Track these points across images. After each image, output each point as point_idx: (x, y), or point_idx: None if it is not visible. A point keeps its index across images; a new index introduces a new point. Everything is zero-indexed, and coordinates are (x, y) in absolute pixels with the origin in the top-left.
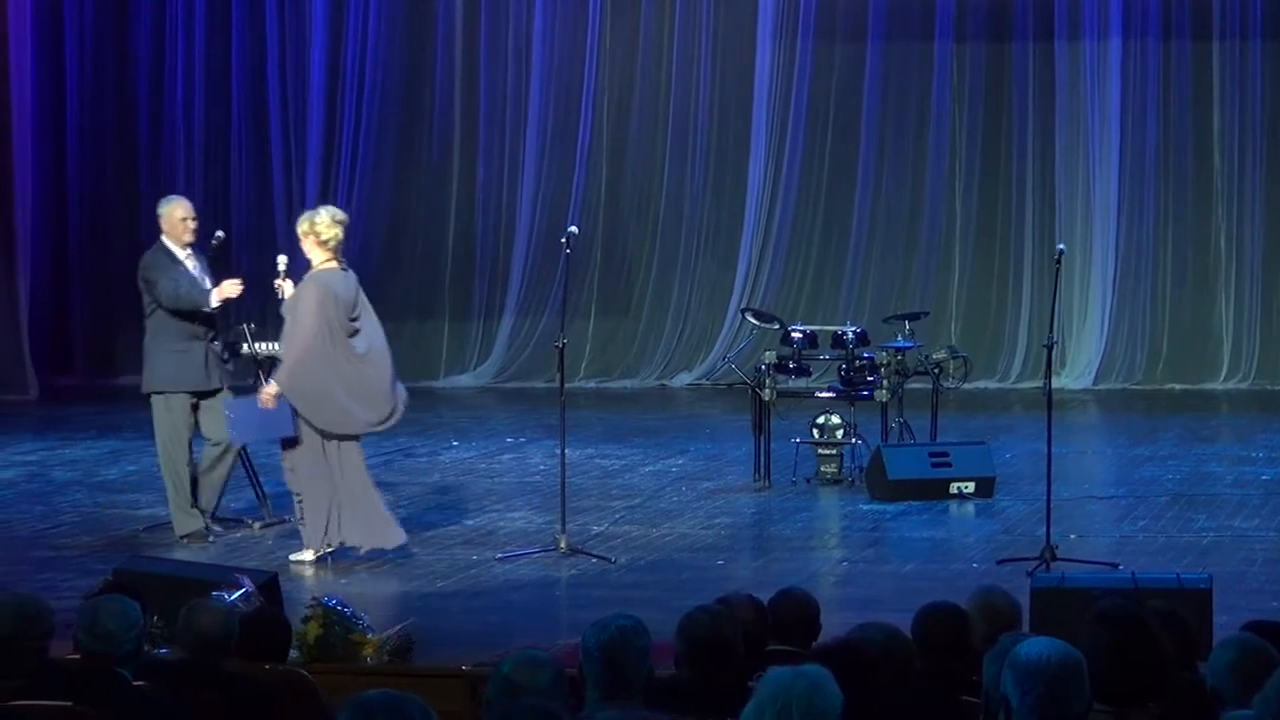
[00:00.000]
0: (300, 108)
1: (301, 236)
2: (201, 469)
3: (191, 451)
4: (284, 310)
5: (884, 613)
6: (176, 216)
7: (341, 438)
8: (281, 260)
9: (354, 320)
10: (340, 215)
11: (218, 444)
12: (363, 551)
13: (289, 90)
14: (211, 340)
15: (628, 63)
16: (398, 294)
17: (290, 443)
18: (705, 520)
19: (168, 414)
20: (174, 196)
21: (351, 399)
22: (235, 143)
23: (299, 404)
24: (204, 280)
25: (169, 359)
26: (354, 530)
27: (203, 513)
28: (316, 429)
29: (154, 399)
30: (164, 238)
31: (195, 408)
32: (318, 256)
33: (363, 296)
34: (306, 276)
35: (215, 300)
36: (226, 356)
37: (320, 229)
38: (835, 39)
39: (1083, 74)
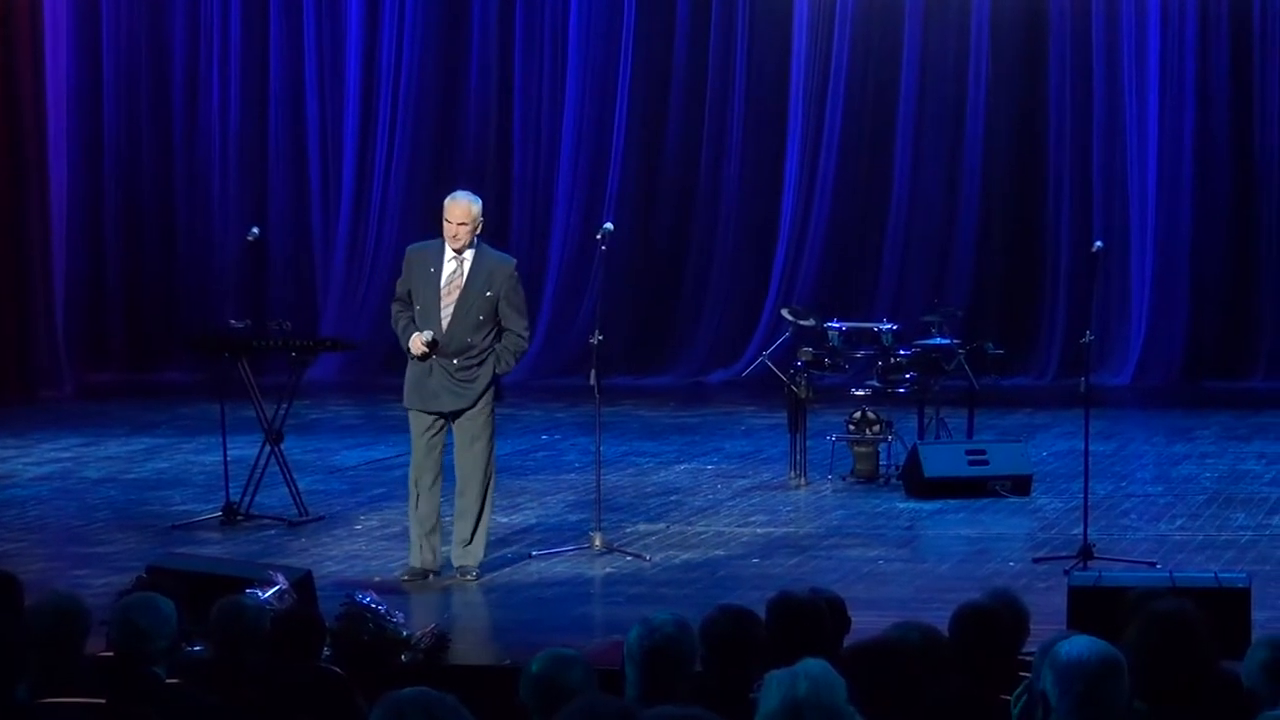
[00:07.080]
0: (336, 104)
1: None
2: None
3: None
4: None
5: (920, 612)
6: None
7: None
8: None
9: None
10: None
11: None
12: None
13: (325, 87)
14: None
15: (663, 57)
16: None
17: None
18: (740, 518)
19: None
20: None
21: None
22: (271, 140)
23: None
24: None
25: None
26: None
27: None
28: None
29: None
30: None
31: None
32: None
33: None
34: None
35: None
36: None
37: None
38: (872, 29)
39: (1121, 65)
